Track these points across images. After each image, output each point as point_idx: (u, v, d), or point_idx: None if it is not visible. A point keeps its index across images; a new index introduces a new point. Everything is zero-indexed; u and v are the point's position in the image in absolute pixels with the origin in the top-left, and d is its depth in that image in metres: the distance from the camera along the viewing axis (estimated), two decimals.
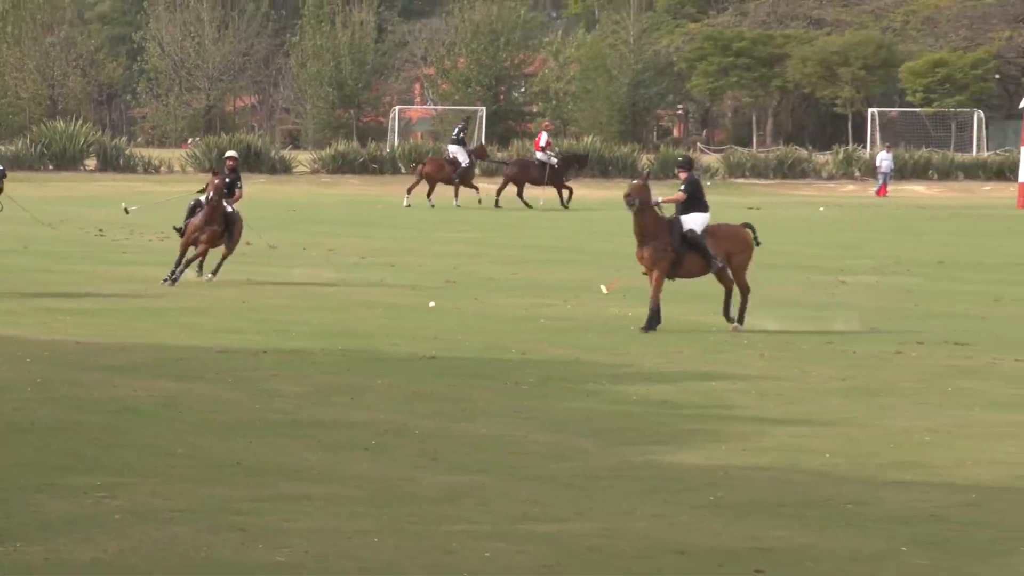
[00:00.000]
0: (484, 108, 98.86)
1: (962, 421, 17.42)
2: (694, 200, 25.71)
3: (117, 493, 14.37)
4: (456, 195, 60.78)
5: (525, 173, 61.21)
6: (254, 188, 71.74)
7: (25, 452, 16.17)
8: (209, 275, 31.31)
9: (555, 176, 60.74)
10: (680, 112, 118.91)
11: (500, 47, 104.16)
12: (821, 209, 60.36)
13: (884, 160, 77.94)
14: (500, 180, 62.47)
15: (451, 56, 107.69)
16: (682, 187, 25.86)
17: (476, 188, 60.34)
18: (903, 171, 78.90)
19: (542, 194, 60.26)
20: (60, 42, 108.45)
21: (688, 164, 27.39)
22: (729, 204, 60.64)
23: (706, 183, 74.08)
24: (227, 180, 31.52)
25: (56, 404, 18.53)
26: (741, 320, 25.10)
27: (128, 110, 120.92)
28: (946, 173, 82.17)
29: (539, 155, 62.17)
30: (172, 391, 19.67)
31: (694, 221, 25.51)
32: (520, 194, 60.56)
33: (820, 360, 21.95)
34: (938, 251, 40.38)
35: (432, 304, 27.53)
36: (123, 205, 39.97)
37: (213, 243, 31.09)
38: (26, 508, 13.83)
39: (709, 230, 25.57)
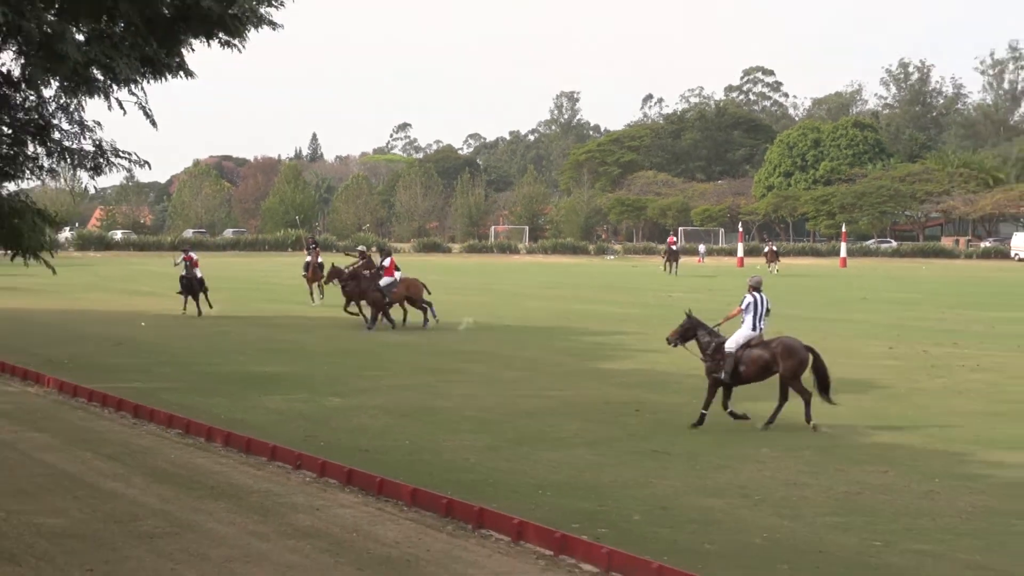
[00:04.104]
0: (528, 227, 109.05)
1: None
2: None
3: (373, 396, 13.06)
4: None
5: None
6: (444, 258, 65.53)
7: (324, 369, 15.13)
8: None
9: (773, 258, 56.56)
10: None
11: (533, 203, 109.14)
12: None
13: None
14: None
15: (514, 207, 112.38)
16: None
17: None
18: None
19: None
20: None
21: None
22: None
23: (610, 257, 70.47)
24: None
25: (355, 338, 18.42)
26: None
27: (380, 229, 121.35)
28: None
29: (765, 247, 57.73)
30: (407, 339, 18.74)
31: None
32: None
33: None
34: None
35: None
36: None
37: None
38: (320, 405, 12.55)
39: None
